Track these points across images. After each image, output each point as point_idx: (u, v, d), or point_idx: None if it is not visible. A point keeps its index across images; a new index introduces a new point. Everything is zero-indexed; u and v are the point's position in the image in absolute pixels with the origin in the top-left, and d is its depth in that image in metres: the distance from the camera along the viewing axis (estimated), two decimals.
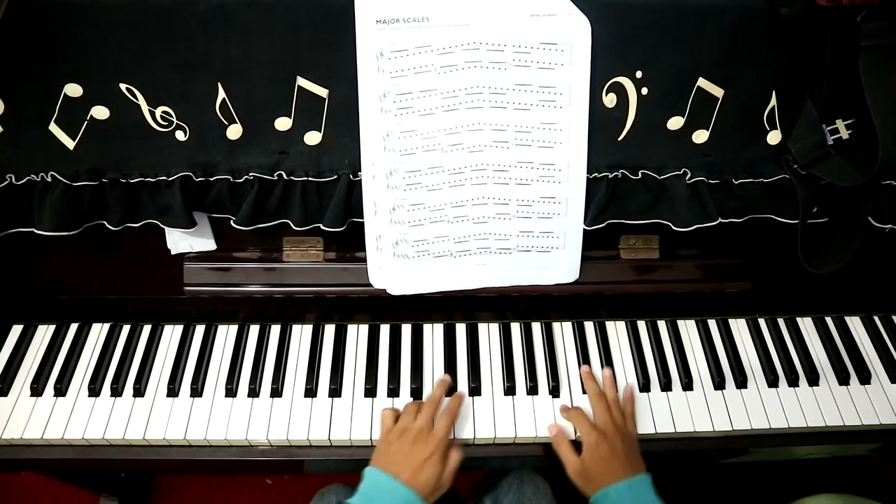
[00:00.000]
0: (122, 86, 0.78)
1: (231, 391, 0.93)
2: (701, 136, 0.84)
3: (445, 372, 0.95)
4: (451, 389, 0.93)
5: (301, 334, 0.99)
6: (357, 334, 0.99)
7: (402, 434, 0.83)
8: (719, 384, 0.95)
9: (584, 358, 0.97)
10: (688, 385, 0.95)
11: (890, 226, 0.87)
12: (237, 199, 0.84)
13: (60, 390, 0.92)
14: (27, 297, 0.96)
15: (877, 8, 0.69)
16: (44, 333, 0.99)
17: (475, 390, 0.93)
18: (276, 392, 0.93)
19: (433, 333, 0.99)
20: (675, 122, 0.82)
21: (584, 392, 0.93)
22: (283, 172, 0.82)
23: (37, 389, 0.92)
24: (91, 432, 0.89)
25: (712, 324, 1.02)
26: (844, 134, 0.84)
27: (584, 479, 0.83)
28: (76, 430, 0.89)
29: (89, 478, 1.34)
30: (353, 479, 1.43)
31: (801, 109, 0.82)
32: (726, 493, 1.54)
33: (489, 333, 1.00)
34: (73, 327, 1.00)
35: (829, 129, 0.83)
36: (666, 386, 0.95)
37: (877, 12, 0.70)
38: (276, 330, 1.00)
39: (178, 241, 0.90)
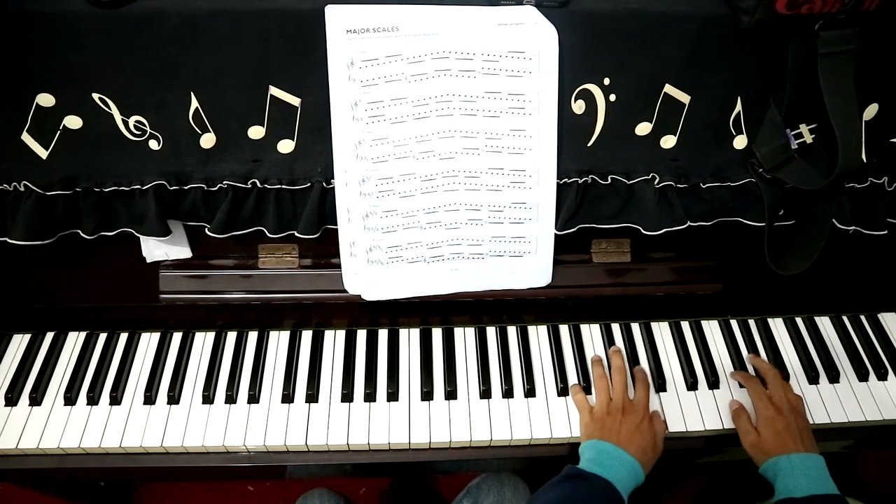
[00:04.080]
0: (95, 95, 0.78)
1: (208, 398, 0.93)
2: (669, 142, 0.85)
3: (421, 376, 0.96)
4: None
5: (278, 340, 1.00)
6: (334, 340, 1.00)
7: (610, 410, 0.87)
8: (692, 385, 0.97)
9: (558, 361, 0.98)
10: (661, 386, 0.97)
11: (854, 227, 0.89)
12: (212, 207, 0.85)
13: (35, 399, 0.92)
14: (2, 307, 0.95)
15: (833, 17, 0.71)
16: (19, 342, 0.99)
17: (451, 394, 0.94)
18: (254, 398, 0.93)
19: (409, 338, 1.00)
20: (643, 128, 0.84)
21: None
22: (256, 180, 0.83)
23: (11, 399, 0.92)
24: (67, 441, 0.89)
25: (685, 325, 1.04)
26: (808, 138, 0.86)
27: (759, 450, 0.85)
28: (52, 440, 0.89)
29: (67, 487, 1.33)
30: (336, 483, 1.44)
31: (765, 114, 0.83)
32: (703, 491, 1.55)
33: (465, 337, 1.01)
34: (49, 336, 1.00)
35: (793, 133, 0.85)
36: None
37: (834, 21, 0.72)
38: (253, 336, 1.00)
39: (154, 249, 0.91)
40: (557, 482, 0.79)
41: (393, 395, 0.94)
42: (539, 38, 0.76)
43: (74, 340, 1.00)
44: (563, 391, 0.95)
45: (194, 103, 0.79)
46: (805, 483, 0.78)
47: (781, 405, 0.88)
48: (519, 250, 0.89)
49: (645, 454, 0.83)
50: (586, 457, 0.82)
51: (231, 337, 1.00)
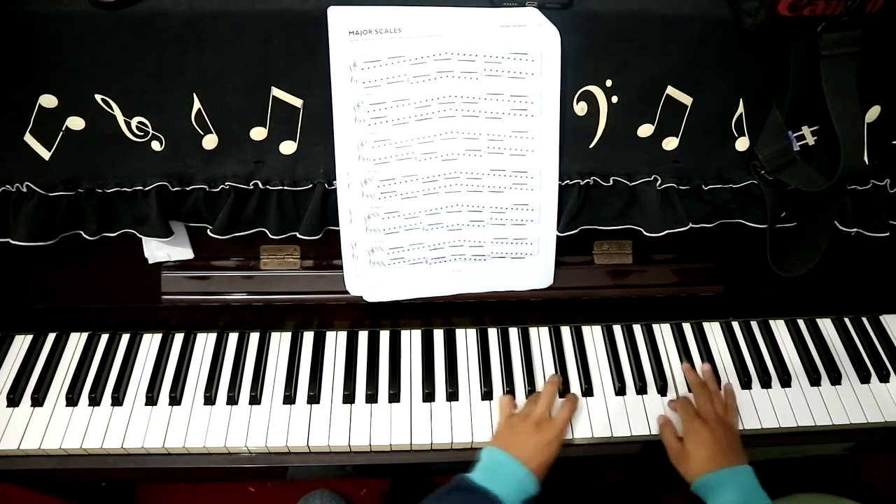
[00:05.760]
0: (98, 96, 0.78)
1: (210, 399, 0.93)
2: (671, 143, 0.85)
3: (423, 377, 0.96)
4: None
5: (280, 341, 1.00)
6: (335, 341, 1.00)
7: (526, 419, 0.87)
8: None
9: (560, 363, 0.98)
10: (663, 388, 0.96)
11: (856, 229, 0.89)
12: (214, 208, 0.85)
13: (38, 400, 0.92)
14: (4, 307, 0.96)
15: (836, 19, 0.71)
16: (21, 343, 0.99)
17: (453, 395, 0.94)
18: (255, 399, 0.93)
19: (411, 339, 1.00)
20: (645, 130, 0.84)
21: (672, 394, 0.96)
22: (258, 181, 0.83)
23: (13, 400, 0.92)
24: (69, 442, 0.89)
25: (687, 327, 1.04)
26: (810, 140, 0.86)
27: (684, 463, 0.84)
28: (53, 440, 0.89)
29: (69, 488, 1.33)
30: (336, 484, 1.44)
31: (767, 116, 0.83)
32: None
33: (466, 339, 1.01)
34: (51, 337, 1.00)
35: (795, 135, 0.85)
36: (641, 389, 0.96)
37: (836, 23, 0.72)
38: (254, 337, 1.00)
39: (156, 250, 0.91)
40: (445, 493, 0.78)
41: (394, 397, 0.94)
42: (541, 40, 0.76)
43: (76, 341, 1.00)
44: (565, 392, 0.95)
45: (196, 104, 0.79)
46: (737, 499, 0.78)
47: (707, 416, 0.87)
48: (521, 252, 0.89)
49: (544, 470, 0.83)
50: (482, 464, 0.81)
51: (233, 338, 1.00)
